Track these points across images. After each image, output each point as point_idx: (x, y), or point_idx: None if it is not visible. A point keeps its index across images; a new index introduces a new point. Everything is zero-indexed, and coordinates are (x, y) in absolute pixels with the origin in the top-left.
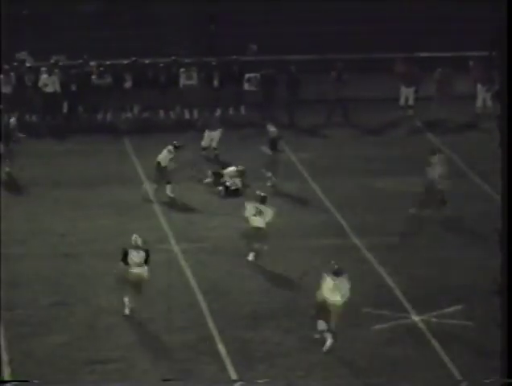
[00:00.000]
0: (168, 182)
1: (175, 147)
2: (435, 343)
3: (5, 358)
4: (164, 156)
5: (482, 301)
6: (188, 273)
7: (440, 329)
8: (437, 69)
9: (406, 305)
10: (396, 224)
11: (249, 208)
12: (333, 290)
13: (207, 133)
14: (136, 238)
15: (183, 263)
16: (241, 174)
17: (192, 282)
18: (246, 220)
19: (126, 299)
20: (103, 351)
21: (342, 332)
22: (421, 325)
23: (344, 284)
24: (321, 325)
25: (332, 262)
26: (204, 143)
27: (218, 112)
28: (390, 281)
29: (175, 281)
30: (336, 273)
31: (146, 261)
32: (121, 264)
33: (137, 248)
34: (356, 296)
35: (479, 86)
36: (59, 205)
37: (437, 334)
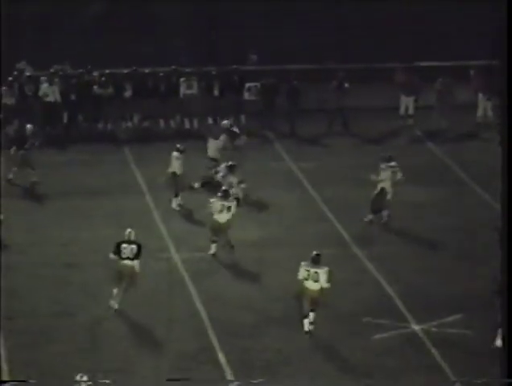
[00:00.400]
0: (176, 195)
1: (181, 151)
2: (435, 352)
3: (5, 367)
4: (175, 165)
5: (482, 310)
6: (189, 282)
7: (440, 338)
8: (438, 79)
9: (406, 314)
10: (396, 234)
11: (216, 205)
12: (307, 277)
13: (210, 143)
14: (130, 232)
15: (183, 272)
16: (231, 169)
17: (193, 291)
18: (211, 215)
19: (115, 290)
20: (104, 361)
21: (342, 341)
22: (421, 334)
23: (321, 271)
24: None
25: (314, 252)
26: (210, 153)
27: (224, 122)
28: (389, 290)
29: (175, 290)
30: (314, 261)
31: (138, 255)
32: (112, 255)
33: (129, 242)
34: (356, 305)
35: (480, 95)
36: (60, 214)
37: (437, 343)
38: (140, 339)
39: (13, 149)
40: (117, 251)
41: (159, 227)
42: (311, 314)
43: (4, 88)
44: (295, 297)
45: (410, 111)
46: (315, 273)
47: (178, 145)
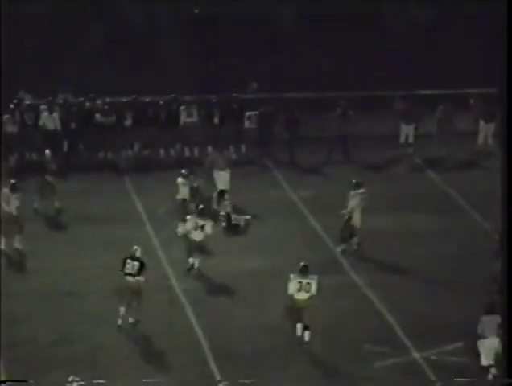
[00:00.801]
0: (184, 220)
1: (185, 176)
2: (435, 380)
3: None
4: (183, 191)
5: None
6: (189, 310)
7: (440, 366)
8: (438, 107)
9: (407, 342)
10: (396, 262)
11: (190, 223)
12: (299, 288)
13: (217, 175)
14: (136, 249)
15: (183, 301)
16: (221, 194)
17: (193, 320)
18: (187, 233)
19: (122, 309)
20: None
21: (343, 369)
22: (421, 362)
23: (313, 281)
24: (298, 328)
25: (302, 263)
26: (220, 186)
27: (228, 152)
28: (390, 318)
29: (175, 319)
30: (303, 272)
31: (140, 272)
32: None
33: (133, 258)
34: (356, 333)
35: (481, 123)
36: (61, 243)
37: (437, 371)
38: (140, 368)
39: (48, 177)
40: (123, 266)
41: (160, 255)
42: (307, 333)
43: (6, 116)
44: (284, 311)
45: (411, 139)
46: (308, 283)
47: (182, 171)
